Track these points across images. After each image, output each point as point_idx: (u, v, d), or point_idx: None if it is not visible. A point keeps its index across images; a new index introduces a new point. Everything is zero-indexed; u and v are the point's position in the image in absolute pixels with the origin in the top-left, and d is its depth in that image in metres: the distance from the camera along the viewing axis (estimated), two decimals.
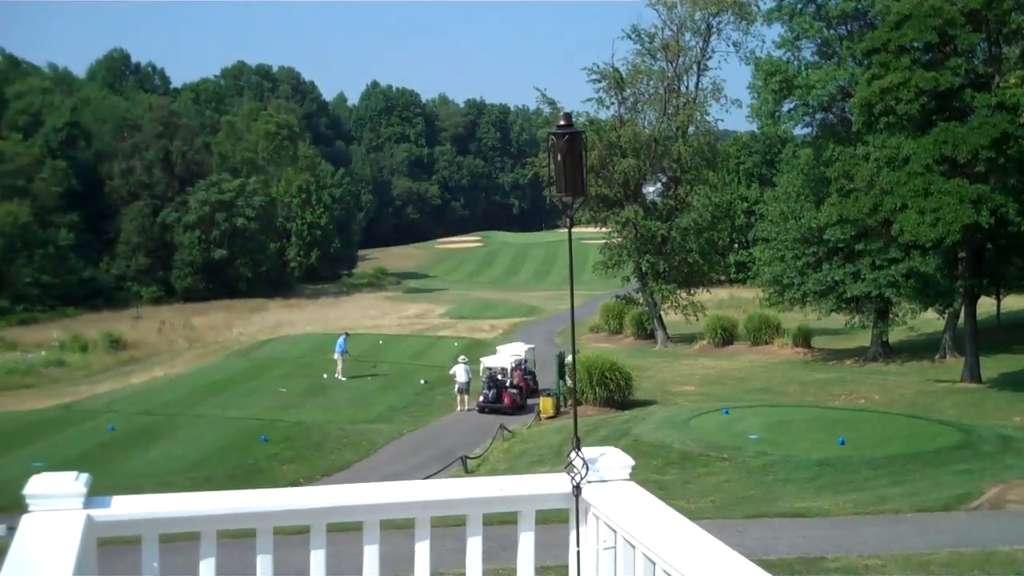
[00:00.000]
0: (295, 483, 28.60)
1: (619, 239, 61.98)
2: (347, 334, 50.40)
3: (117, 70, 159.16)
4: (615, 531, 4.16)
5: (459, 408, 39.97)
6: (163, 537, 4.08)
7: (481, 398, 39.52)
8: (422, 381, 46.60)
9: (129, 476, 28.02)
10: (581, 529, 4.45)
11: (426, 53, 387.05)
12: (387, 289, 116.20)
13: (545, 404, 37.52)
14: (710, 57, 61.91)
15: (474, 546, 4.43)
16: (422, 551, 4.34)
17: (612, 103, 61.18)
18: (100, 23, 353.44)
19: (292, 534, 4.53)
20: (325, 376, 47.53)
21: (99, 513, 3.89)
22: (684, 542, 3.80)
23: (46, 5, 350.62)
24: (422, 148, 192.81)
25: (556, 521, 4.79)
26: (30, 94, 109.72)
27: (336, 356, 47.74)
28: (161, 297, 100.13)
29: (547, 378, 42.29)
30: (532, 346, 46.36)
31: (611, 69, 60.05)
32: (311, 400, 42.94)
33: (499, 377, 40.19)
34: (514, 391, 39.75)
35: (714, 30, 61.00)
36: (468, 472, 28.96)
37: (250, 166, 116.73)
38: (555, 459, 28.63)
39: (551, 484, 4.54)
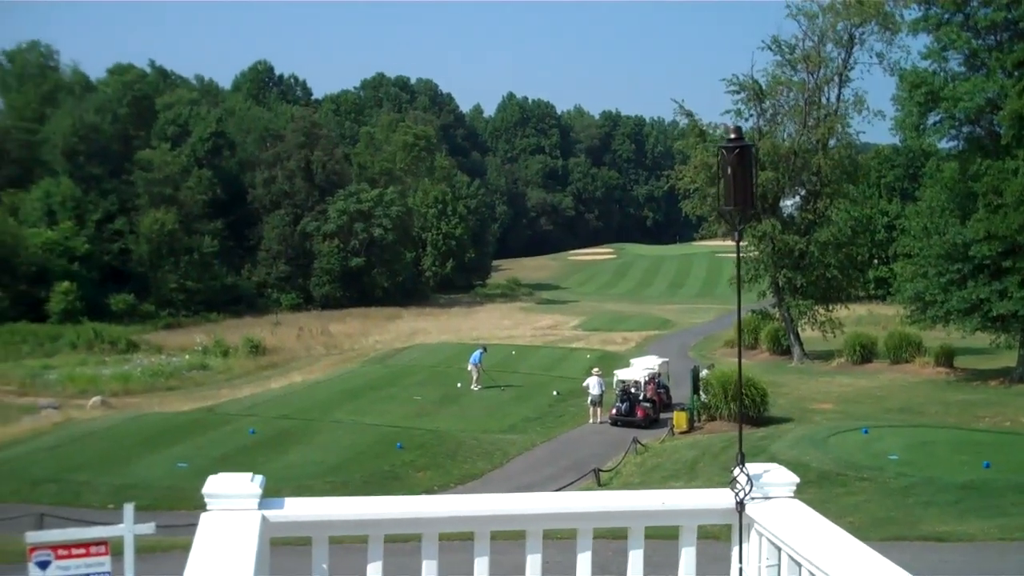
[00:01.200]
0: (430, 491, 28.87)
1: (756, 253, 61.04)
2: (484, 349, 50.57)
3: (261, 82, 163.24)
4: (779, 548, 4.10)
5: (591, 420, 39.83)
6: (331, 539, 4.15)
7: (614, 411, 39.31)
8: (555, 392, 46.56)
9: (269, 479, 28.52)
10: (743, 546, 4.39)
11: (562, 65, 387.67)
12: (520, 300, 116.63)
13: (679, 419, 37.16)
14: (852, 68, 60.57)
15: (635, 560, 4.41)
16: (584, 562, 4.33)
17: (751, 115, 60.31)
18: (245, 36, 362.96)
19: (455, 539, 4.56)
20: (459, 385, 47.87)
21: (273, 514, 3.98)
22: (854, 562, 3.73)
23: (194, 19, 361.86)
24: (557, 160, 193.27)
25: (704, 537, 4.73)
26: (178, 105, 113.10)
27: (471, 368, 48.01)
28: (300, 304, 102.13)
29: (680, 392, 41.88)
30: (666, 359, 45.93)
31: (750, 80, 59.22)
32: (445, 409, 43.30)
33: (632, 390, 39.94)
34: (647, 405, 39.46)
35: (857, 41, 59.67)
36: (601, 485, 28.85)
37: (388, 176, 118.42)
38: (688, 474, 28.36)
39: (714, 499, 4.50)
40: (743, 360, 49.29)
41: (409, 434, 36.27)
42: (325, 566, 4.11)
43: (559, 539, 4.54)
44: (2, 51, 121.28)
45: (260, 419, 39.51)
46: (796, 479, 4.46)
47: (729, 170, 4.25)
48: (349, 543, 4.27)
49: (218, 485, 4.03)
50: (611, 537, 4.61)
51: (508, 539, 4.44)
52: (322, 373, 58.93)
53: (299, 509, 4.10)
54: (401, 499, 4.34)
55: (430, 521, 4.17)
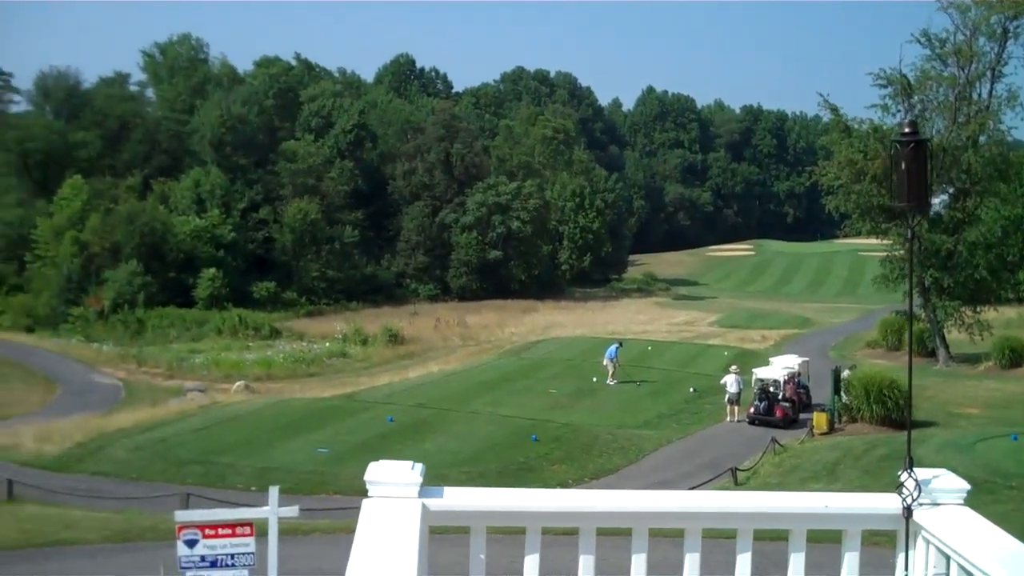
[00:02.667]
0: (564, 484, 28.90)
1: (901, 252, 59.49)
2: (620, 344, 50.30)
3: (403, 75, 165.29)
4: (948, 557, 3.96)
5: (728, 419, 39.32)
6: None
7: (752, 410, 38.73)
8: (691, 389, 46.10)
9: None
10: (909, 553, 4.25)
11: (702, 58, 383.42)
12: (656, 295, 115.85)
13: (819, 419, 36.41)
14: (1006, 63, 58.45)
15: (796, 563, 4.31)
16: (743, 563, 4.25)
17: (898, 110, 58.58)
18: (388, 30, 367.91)
19: (611, 535, 4.52)
20: (595, 379, 47.74)
21: (433, 502, 3.99)
22: None
23: (339, 13, 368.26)
24: (696, 154, 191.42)
25: (826, 540, 4.60)
26: (322, 97, 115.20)
27: (606, 362, 47.81)
28: (437, 295, 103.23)
29: (820, 393, 41.08)
30: (806, 359, 45.07)
31: (898, 74, 57.66)
32: (580, 402, 43.23)
33: (771, 389, 39.32)
34: (786, 404, 38.80)
35: (1011, 34, 57.65)
36: (738, 484, 28.49)
37: (526, 170, 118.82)
38: (828, 477, 27.79)
39: (879, 503, 4.36)
40: (884, 361, 48.32)
41: (544, 427, 36.33)
42: (482, 556, 4.11)
43: (713, 538, 4.46)
44: (155, 44, 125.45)
45: (398, 407, 40.02)
46: (967, 486, 4.30)
47: (903, 165, 4.11)
48: (499, 534, 4.27)
49: (380, 472, 4.06)
50: (722, 537, 4.49)
51: (661, 536, 4.38)
52: (458, 363, 59.43)
53: (458, 499, 4.11)
54: (560, 492, 4.32)
55: (589, 515, 4.14)
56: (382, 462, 4.17)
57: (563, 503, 4.22)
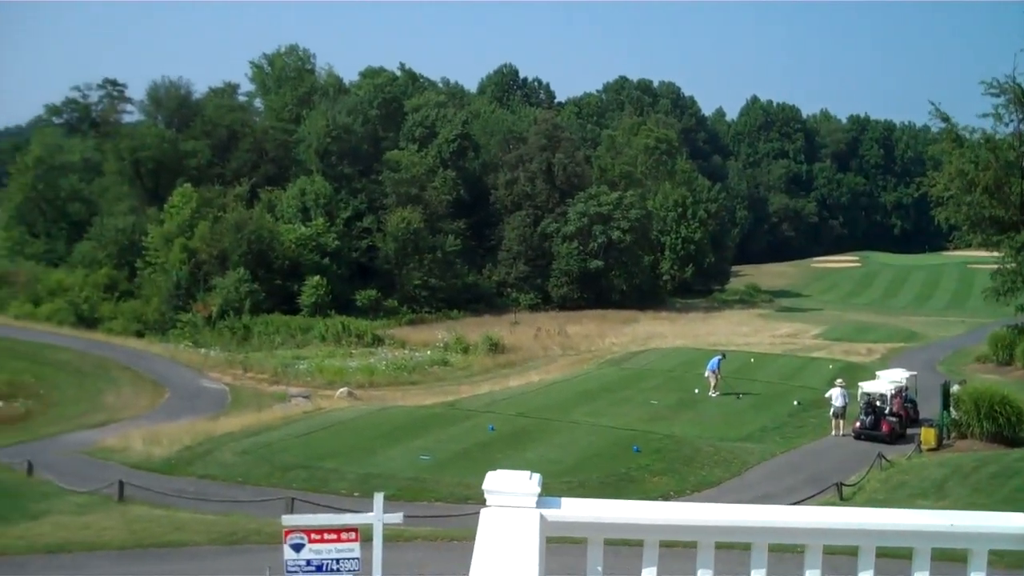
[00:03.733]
0: (666, 496, 28.70)
1: (1013, 265, 58.01)
2: (723, 355, 49.82)
3: (505, 85, 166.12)
4: None
5: (833, 432, 38.72)
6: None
7: (857, 424, 38.09)
8: (795, 402, 45.48)
9: None
10: None
11: (808, 68, 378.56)
12: (759, 307, 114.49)
13: (927, 435, 35.65)
14: None
15: None
16: None
17: (1011, 119, 57.30)
18: (491, 40, 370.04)
19: (728, 548, 4.45)
20: (696, 391, 47.38)
21: (551, 513, 3.97)
22: None
23: (442, 24, 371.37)
24: (800, 164, 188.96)
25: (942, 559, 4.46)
26: (426, 108, 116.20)
27: (708, 374, 47.42)
28: (538, 304, 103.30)
29: (928, 408, 40.19)
30: (914, 373, 44.14)
31: (1011, 83, 56.35)
32: (681, 414, 42.92)
33: (878, 403, 38.60)
34: (893, 419, 38.04)
35: None
36: (843, 500, 28.03)
37: (628, 179, 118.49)
38: (936, 494, 27.17)
39: (1007, 522, 4.23)
40: (995, 376, 47.04)
41: (645, 438, 36.16)
42: (599, 568, 4.08)
43: (832, 554, 4.36)
44: (263, 55, 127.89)
45: (499, 416, 40.16)
46: None
47: None
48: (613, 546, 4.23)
49: (498, 482, 4.05)
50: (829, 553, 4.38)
51: (780, 551, 4.30)
52: (559, 373, 59.42)
53: (576, 509, 4.08)
54: (679, 505, 4.27)
55: (708, 529, 4.08)
56: (499, 471, 4.16)
57: (683, 516, 4.16)
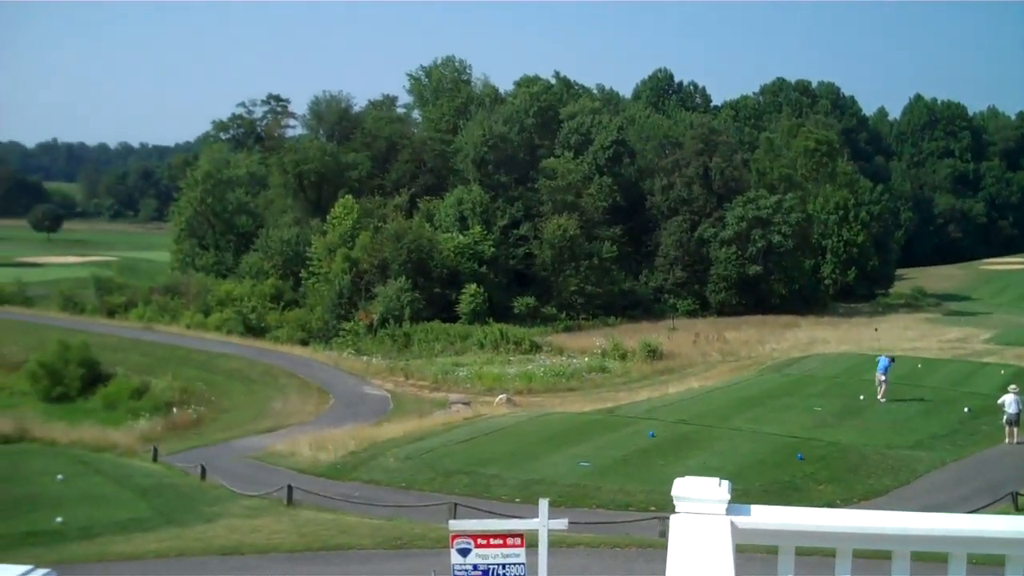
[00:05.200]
0: (832, 504, 28.04)
1: None
2: (892, 359, 48.36)
3: (661, 89, 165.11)
4: None
5: (1007, 440, 37.22)
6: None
7: None
8: (965, 409, 43.90)
9: (668, 483, 28.73)
10: None
11: (974, 65, 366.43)
12: (925, 311, 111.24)
13: None
14: None
15: None
16: None
17: None
18: (646, 45, 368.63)
19: (925, 560, 4.30)
20: (862, 397, 46.15)
21: (741, 520, 3.90)
22: None
23: (597, 30, 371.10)
24: (967, 163, 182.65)
25: None
26: (581, 115, 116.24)
27: (879, 376, 46.04)
28: (695, 310, 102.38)
29: None
30: None
31: None
32: (847, 421, 41.83)
33: None
34: None
35: None
36: (1018, 510, 26.98)
37: (787, 183, 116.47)
38: None
39: None
40: None
41: (809, 445, 35.37)
42: None
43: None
44: (420, 67, 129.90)
45: (659, 423, 39.86)
46: None
47: None
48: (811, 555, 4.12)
49: (688, 488, 4.00)
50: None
51: (984, 564, 4.13)
52: (718, 380, 58.72)
53: (767, 517, 3.99)
54: (873, 513, 4.12)
55: (905, 539, 3.94)
56: (688, 479, 4.10)
57: (878, 524, 4.01)
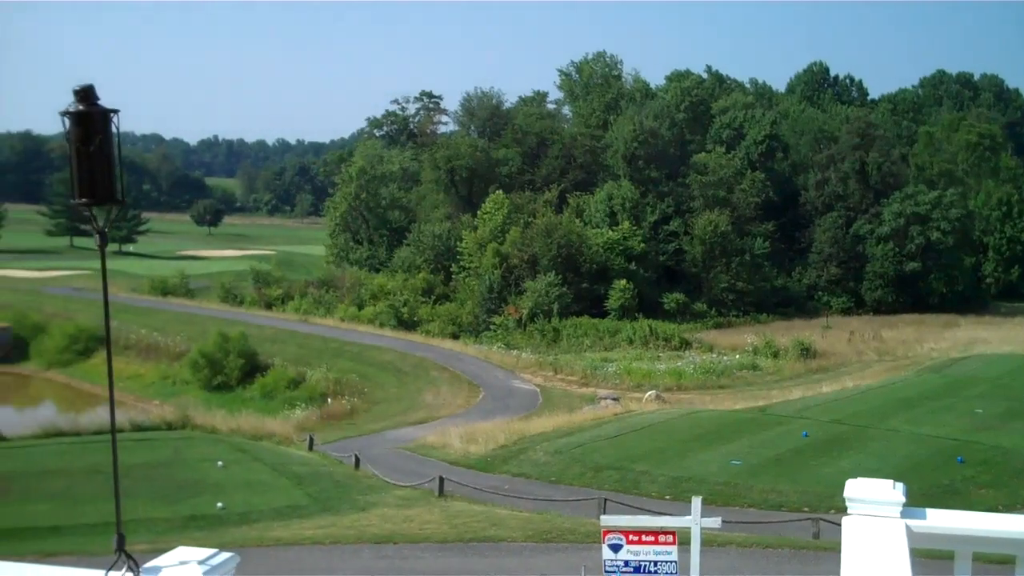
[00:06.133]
0: (993, 509, 27.15)
1: None
2: None
3: (815, 83, 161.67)
4: None
5: None
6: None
7: None
8: None
9: (821, 484, 28.30)
10: None
11: None
12: None
13: None
14: None
15: None
16: None
17: None
18: (800, 38, 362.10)
19: None
20: None
21: (916, 524, 3.81)
22: None
23: (750, 24, 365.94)
24: None
25: None
26: (733, 109, 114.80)
27: None
28: (850, 308, 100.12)
29: None
30: None
31: None
32: (1010, 424, 40.43)
33: None
34: None
35: None
36: None
37: (948, 178, 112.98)
38: None
39: None
40: None
41: (969, 448, 34.34)
42: None
43: None
44: (571, 63, 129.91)
45: (812, 422, 39.22)
46: None
47: None
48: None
49: (860, 490, 3.92)
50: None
51: None
52: (874, 379, 57.40)
53: (944, 520, 3.89)
54: None
55: None
56: (861, 480, 4.03)
57: None
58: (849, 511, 3.87)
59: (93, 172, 4.02)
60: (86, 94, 3.99)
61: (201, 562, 3.93)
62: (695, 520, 13.54)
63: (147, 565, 3.92)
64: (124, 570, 3.84)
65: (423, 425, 47.28)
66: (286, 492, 30.10)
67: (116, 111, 4.07)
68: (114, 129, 4.06)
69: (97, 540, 22.48)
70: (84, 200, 4.07)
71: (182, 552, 4.07)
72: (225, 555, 4.02)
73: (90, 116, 3.99)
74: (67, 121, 4.02)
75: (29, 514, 26.81)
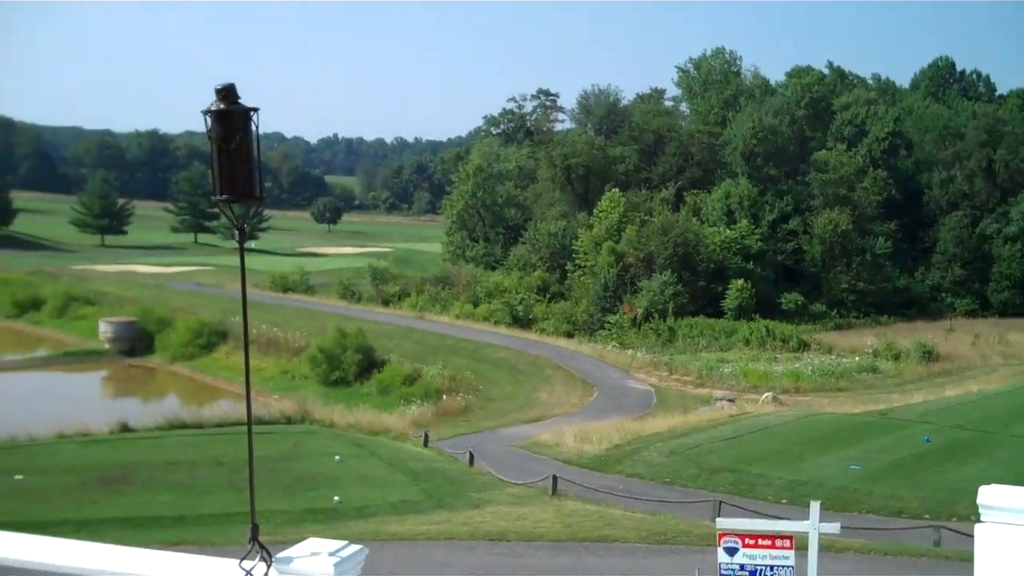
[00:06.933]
0: None
1: None
2: None
3: (941, 79, 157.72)
4: None
5: None
6: None
7: None
8: None
9: (942, 491, 27.62)
10: None
11: None
12: None
13: None
14: None
15: None
16: None
17: None
18: (926, 33, 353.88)
19: None
20: None
21: None
22: None
23: (874, 19, 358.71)
24: None
25: None
26: (855, 106, 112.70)
27: None
28: (975, 310, 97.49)
29: None
30: None
31: None
32: None
33: None
34: None
35: None
36: None
37: None
38: None
39: None
40: None
41: None
42: None
43: None
44: (689, 59, 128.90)
45: (934, 427, 38.31)
46: None
47: None
48: None
49: (994, 497, 3.81)
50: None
51: None
52: (1000, 384, 55.87)
53: None
54: None
55: None
56: (994, 487, 3.92)
57: None
58: (983, 519, 3.76)
59: (233, 169, 4.12)
60: (227, 93, 4.09)
61: (332, 553, 4.02)
62: (813, 525, 13.32)
63: (279, 555, 4.03)
64: (257, 560, 3.93)
65: (537, 423, 47.39)
66: (401, 487, 30.40)
67: (256, 109, 4.17)
68: (253, 127, 4.16)
69: (220, 530, 23.02)
70: (225, 196, 4.18)
71: (313, 543, 4.17)
72: (355, 547, 4.11)
73: (231, 114, 4.09)
74: (209, 119, 4.12)
75: (153, 504, 27.54)
